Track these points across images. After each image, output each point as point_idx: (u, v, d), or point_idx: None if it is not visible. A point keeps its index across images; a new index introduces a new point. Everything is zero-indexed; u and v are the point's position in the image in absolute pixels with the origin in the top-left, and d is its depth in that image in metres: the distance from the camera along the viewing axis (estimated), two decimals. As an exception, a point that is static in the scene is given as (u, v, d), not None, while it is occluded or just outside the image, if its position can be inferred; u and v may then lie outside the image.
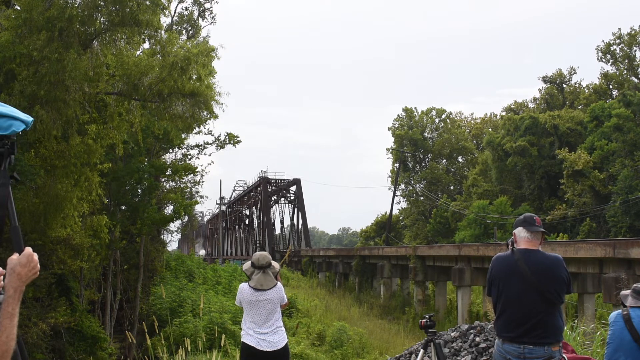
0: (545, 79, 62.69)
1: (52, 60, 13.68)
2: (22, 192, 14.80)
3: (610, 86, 56.66)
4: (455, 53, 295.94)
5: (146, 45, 17.43)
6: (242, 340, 6.15)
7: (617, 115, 43.65)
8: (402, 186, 70.50)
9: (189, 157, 32.31)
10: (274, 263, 6.35)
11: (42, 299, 18.05)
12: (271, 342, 6.04)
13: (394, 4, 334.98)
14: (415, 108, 73.33)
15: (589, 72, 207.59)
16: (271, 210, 70.55)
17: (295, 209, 68.74)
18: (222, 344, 10.38)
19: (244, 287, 6.26)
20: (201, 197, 38.56)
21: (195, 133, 28.72)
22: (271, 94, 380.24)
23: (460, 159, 72.64)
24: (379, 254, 43.12)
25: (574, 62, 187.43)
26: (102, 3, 14.59)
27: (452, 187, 70.83)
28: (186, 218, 40.69)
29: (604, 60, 55.61)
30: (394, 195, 62.69)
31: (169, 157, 31.51)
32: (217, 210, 77.69)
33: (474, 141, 71.67)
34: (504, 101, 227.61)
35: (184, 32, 32.07)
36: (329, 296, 38.19)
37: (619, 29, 61.16)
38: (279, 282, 6.31)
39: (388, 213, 63.80)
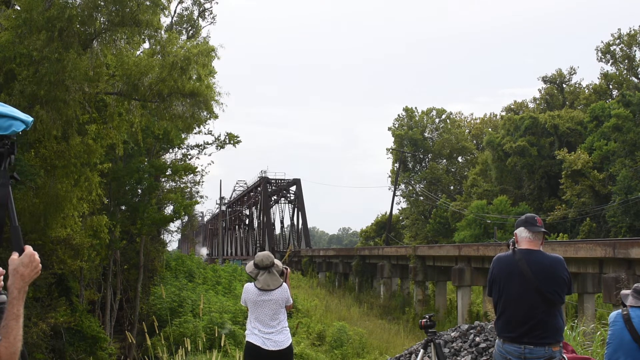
0: (545, 79, 62.70)
1: (52, 60, 13.67)
2: (22, 192, 14.80)
3: (610, 86, 56.66)
4: (456, 53, 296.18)
5: (146, 45, 17.43)
6: (247, 339, 6.13)
7: (617, 116, 43.65)
8: (402, 186, 70.50)
9: (189, 157, 32.32)
10: (276, 261, 6.35)
11: (42, 299, 18.04)
12: (276, 341, 6.05)
13: (394, 4, 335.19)
14: (416, 108, 73.42)
15: (589, 72, 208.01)
16: (271, 210, 70.56)
17: (295, 209, 68.73)
18: (222, 344, 10.37)
19: (249, 287, 6.24)
20: (201, 197, 38.53)
21: (195, 133, 28.73)
22: (271, 94, 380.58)
23: (460, 159, 72.64)
24: (379, 254, 43.11)
25: (574, 62, 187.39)
26: (102, 3, 14.58)
27: (452, 187, 70.82)
28: (186, 218, 40.68)
29: (603, 60, 55.64)
30: (394, 195, 62.73)
31: (169, 157, 31.53)
32: (217, 210, 77.69)
33: (474, 141, 71.66)
34: (504, 101, 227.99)
35: (184, 32, 32.05)
36: (329, 296, 38.17)
37: (619, 29, 61.27)
38: (284, 283, 6.30)
39: (388, 213, 63.78)
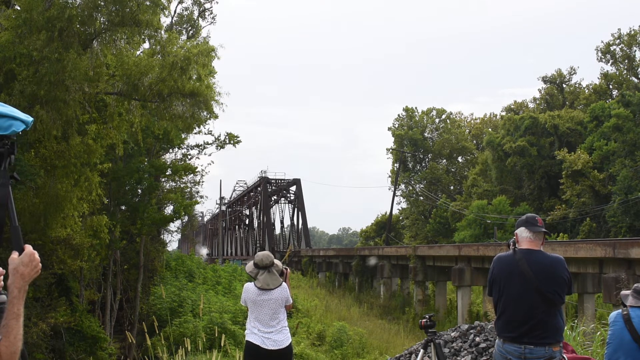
0: (545, 79, 62.70)
1: (52, 60, 13.67)
2: (22, 192, 14.80)
3: (610, 86, 56.67)
4: (456, 53, 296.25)
5: (146, 45, 17.42)
6: (247, 339, 6.15)
7: (617, 116, 43.65)
8: (402, 186, 70.50)
9: (189, 157, 32.31)
10: (276, 261, 6.37)
11: (42, 299, 18.04)
12: (276, 340, 6.06)
13: (394, 4, 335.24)
14: (416, 108, 73.45)
15: (589, 72, 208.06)
16: (271, 210, 70.56)
17: (295, 209, 68.73)
18: (222, 344, 10.37)
19: (249, 286, 6.26)
20: (201, 197, 38.50)
21: (195, 133, 28.73)
22: (271, 94, 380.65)
23: (460, 159, 72.65)
24: (379, 254, 43.12)
25: (574, 62, 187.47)
26: (102, 3, 14.58)
27: (452, 187, 70.83)
28: (186, 218, 40.66)
29: (603, 60, 55.65)
30: (394, 195, 62.73)
31: (169, 157, 31.52)
32: (217, 210, 77.71)
33: (474, 141, 71.67)
34: (504, 101, 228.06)
35: (184, 32, 32.04)
36: (329, 296, 38.18)
37: (619, 29, 61.34)
38: (284, 283, 6.31)
39: (388, 213, 63.79)
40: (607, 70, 55.84)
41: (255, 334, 6.08)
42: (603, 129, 45.21)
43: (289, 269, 6.63)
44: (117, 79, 15.64)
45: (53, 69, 13.58)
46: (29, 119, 2.42)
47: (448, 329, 9.62)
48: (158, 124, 18.17)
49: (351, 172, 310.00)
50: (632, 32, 53.48)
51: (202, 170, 43.43)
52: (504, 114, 66.52)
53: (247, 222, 79.31)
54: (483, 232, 49.10)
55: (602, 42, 59.66)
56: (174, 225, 36.36)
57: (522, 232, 4.74)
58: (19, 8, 15.10)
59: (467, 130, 73.22)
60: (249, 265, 6.37)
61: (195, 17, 32.52)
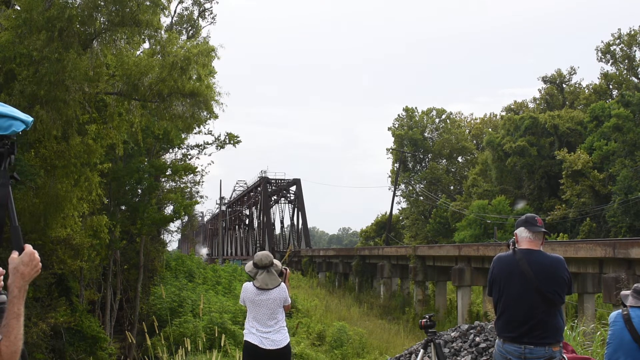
0: (545, 79, 62.67)
1: (52, 60, 13.68)
2: (22, 192, 14.80)
3: (610, 86, 56.66)
4: (456, 53, 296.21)
5: (146, 45, 17.42)
6: (245, 338, 6.15)
7: (617, 116, 43.65)
8: (402, 186, 70.50)
9: (189, 157, 32.32)
10: (275, 261, 6.37)
11: (42, 299, 18.04)
12: (274, 340, 6.06)
13: (394, 4, 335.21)
14: (416, 108, 73.45)
15: (589, 72, 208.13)
16: (271, 210, 70.56)
17: (295, 209, 68.73)
18: (222, 344, 10.38)
19: (248, 286, 6.27)
20: (201, 197, 38.50)
21: (195, 133, 28.74)
22: (271, 94, 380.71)
23: (460, 159, 72.64)
24: (379, 254, 43.11)
25: (574, 62, 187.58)
26: (102, 3, 14.58)
27: (452, 187, 70.82)
28: (186, 218, 40.65)
29: (603, 60, 55.63)
30: (394, 195, 62.73)
31: (169, 157, 31.52)
32: (217, 210, 77.70)
33: (474, 141, 71.66)
34: (504, 101, 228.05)
35: (184, 32, 32.03)
36: (329, 296, 38.18)
37: (619, 29, 61.31)
38: (283, 283, 6.32)
39: (388, 213, 63.79)
40: (607, 70, 55.85)
41: (253, 333, 6.08)
42: (603, 129, 45.19)
43: (288, 269, 6.63)
44: (117, 79, 15.64)
45: (53, 69, 13.59)
46: (29, 119, 2.42)
47: (448, 329, 9.62)
48: (158, 124, 18.17)
49: (351, 172, 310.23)
50: (632, 32, 53.48)
51: (202, 170, 43.45)
52: (504, 114, 66.51)
53: (247, 222, 79.31)
54: (483, 232, 49.09)
55: (602, 42, 59.70)
56: (174, 225, 36.38)
57: (521, 232, 4.74)
58: (19, 8, 15.10)
59: (467, 130, 73.22)
60: (249, 265, 6.38)
61: (195, 17, 32.50)
